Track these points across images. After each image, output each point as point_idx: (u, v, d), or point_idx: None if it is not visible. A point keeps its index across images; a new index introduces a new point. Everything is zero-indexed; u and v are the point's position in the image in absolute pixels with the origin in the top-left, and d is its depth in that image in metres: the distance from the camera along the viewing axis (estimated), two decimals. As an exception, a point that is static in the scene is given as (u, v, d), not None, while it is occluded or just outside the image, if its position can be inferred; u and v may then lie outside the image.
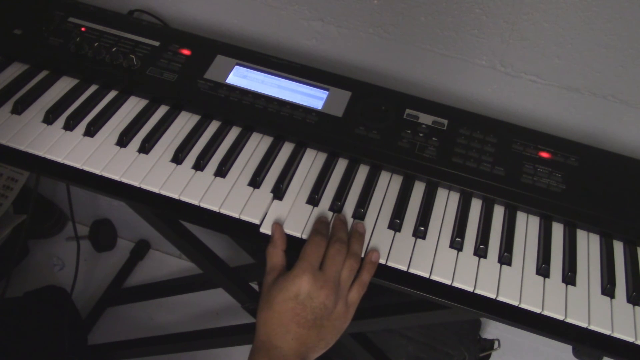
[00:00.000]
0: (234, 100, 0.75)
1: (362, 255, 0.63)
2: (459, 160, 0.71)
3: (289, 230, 0.64)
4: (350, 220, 0.66)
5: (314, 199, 0.67)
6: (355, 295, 0.61)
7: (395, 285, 0.62)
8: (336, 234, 0.63)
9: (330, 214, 0.66)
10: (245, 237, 0.66)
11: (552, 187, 0.69)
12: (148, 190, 0.67)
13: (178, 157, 0.69)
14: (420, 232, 0.65)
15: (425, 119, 0.75)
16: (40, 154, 0.68)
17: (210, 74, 0.78)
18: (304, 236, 0.64)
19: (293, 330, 0.57)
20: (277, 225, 0.64)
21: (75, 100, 0.75)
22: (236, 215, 0.65)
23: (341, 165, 0.72)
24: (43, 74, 0.78)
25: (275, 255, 0.62)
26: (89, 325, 1.43)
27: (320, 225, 0.64)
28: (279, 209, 0.66)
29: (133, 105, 0.76)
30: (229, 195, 0.66)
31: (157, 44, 0.80)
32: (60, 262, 1.55)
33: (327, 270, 0.59)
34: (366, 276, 0.61)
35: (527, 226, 0.68)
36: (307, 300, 0.57)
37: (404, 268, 0.62)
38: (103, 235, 1.59)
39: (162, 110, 0.76)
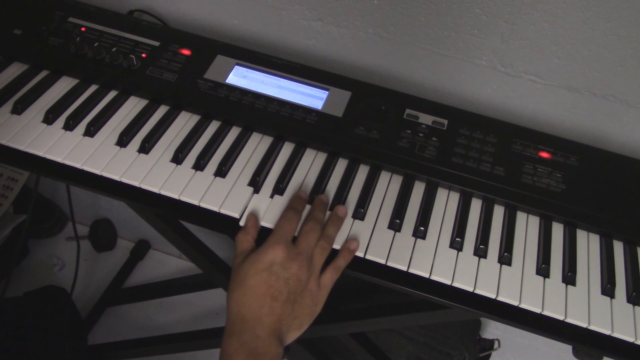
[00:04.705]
0: (234, 100, 0.75)
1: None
2: (459, 160, 0.71)
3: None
4: (350, 221, 0.66)
5: (313, 199, 0.67)
6: (328, 279, 0.60)
7: (395, 285, 0.62)
8: (312, 212, 0.63)
9: (329, 213, 0.66)
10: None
11: (552, 187, 0.69)
12: (148, 190, 0.66)
13: (178, 157, 0.69)
14: (420, 232, 0.65)
15: (425, 119, 0.75)
16: (40, 154, 0.68)
17: (210, 74, 0.78)
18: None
19: (268, 304, 0.56)
20: (252, 215, 0.64)
21: (75, 100, 0.75)
22: (236, 216, 0.65)
23: (341, 165, 0.72)
24: (43, 74, 0.78)
25: (247, 242, 0.62)
26: (89, 325, 1.43)
27: (294, 201, 0.64)
28: (278, 208, 0.66)
29: (133, 105, 0.76)
30: (229, 196, 0.66)
31: (157, 44, 0.80)
32: (60, 262, 1.55)
33: (299, 244, 0.59)
34: (341, 262, 0.61)
35: (527, 226, 0.68)
36: (280, 271, 0.57)
37: (404, 268, 0.62)
38: (103, 235, 1.59)
39: (162, 110, 0.76)
